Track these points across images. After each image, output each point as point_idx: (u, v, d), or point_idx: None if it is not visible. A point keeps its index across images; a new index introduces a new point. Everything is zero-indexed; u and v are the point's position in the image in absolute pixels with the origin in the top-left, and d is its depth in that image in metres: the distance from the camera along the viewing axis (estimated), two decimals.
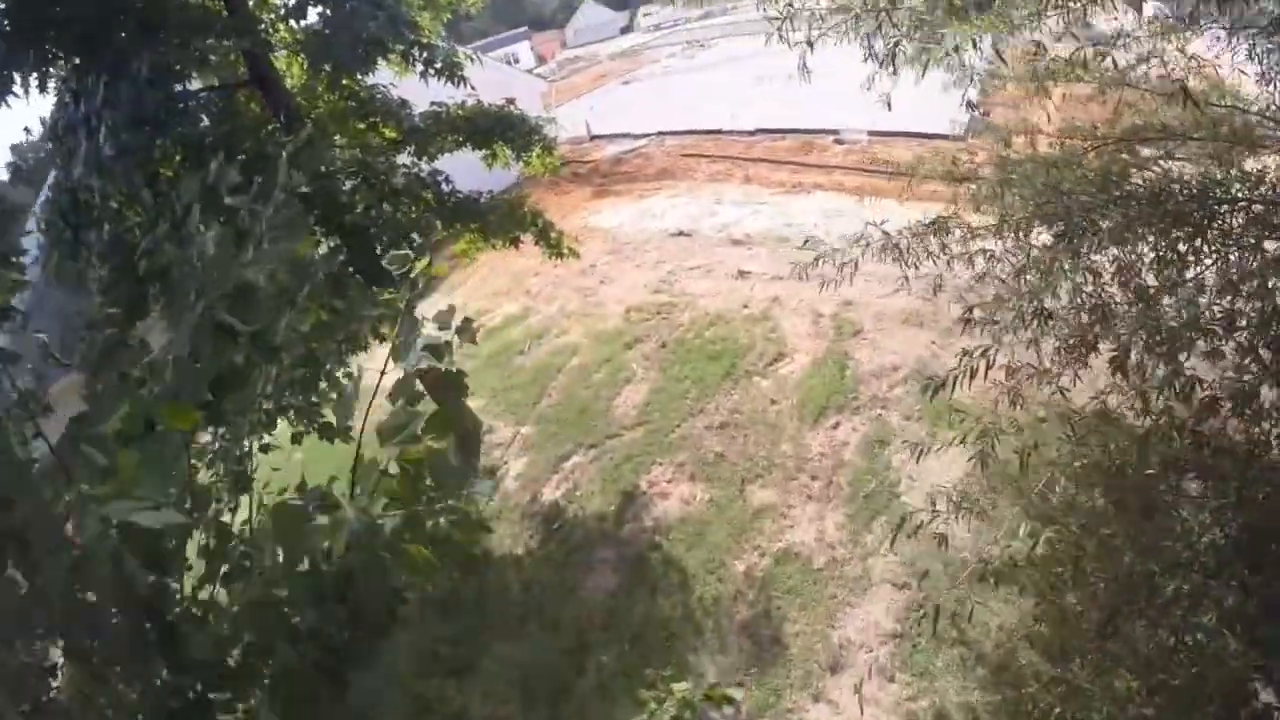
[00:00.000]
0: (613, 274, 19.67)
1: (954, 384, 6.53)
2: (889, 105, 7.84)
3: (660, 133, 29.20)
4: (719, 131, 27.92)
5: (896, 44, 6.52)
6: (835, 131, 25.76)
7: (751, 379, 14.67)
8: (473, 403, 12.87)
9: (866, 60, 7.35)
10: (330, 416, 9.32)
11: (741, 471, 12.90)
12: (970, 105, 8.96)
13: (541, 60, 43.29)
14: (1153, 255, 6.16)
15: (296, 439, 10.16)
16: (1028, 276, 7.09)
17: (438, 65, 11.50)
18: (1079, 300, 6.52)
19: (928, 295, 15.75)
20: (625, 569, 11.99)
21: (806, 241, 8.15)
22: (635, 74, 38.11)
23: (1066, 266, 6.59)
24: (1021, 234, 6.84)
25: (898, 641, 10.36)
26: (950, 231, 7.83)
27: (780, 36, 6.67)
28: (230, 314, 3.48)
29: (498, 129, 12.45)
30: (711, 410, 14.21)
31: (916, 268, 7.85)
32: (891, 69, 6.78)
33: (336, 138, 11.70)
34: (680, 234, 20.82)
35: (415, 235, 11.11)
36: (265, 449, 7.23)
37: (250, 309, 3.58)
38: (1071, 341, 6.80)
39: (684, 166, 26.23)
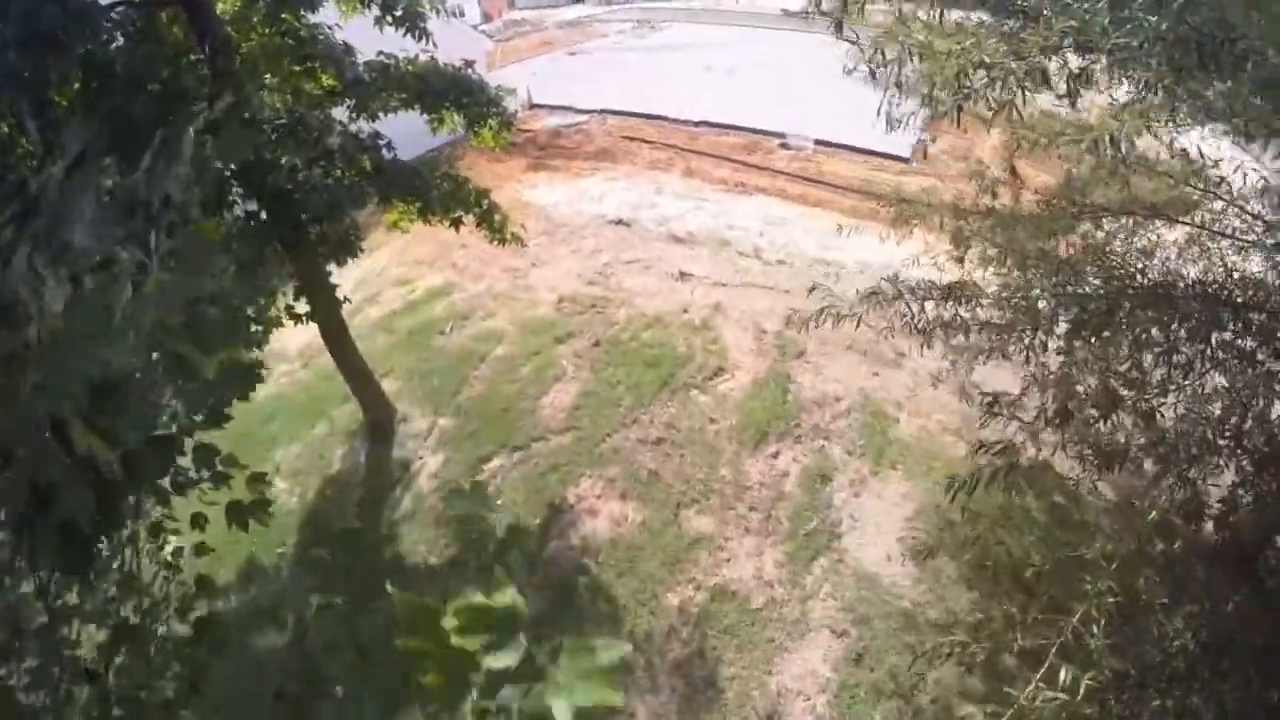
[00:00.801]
0: (545, 257, 18.63)
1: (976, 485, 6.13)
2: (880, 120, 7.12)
3: (603, 110, 28.02)
4: (663, 118, 26.91)
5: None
6: (781, 135, 25.09)
7: (690, 392, 13.93)
8: (387, 385, 11.86)
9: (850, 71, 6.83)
10: None
11: (677, 494, 12.20)
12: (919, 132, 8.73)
13: (487, 18, 41.29)
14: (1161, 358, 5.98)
15: None
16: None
17: (397, 11, 10.07)
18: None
19: (870, 320, 15.56)
20: (551, 593, 11.17)
21: (813, 289, 7.38)
22: (582, 46, 36.67)
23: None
24: (1041, 333, 6.50)
25: (836, 691, 9.89)
26: (968, 300, 7.29)
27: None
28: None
29: (452, 93, 11.13)
30: (646, 422, 13.43)
31: (928, 344, 7.35)
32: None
33: (267, 78, 10.38)
34: (619, 222, 19.89)
35: (346, 206, 10.06)
36: None
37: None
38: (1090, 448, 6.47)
39: (625, 149, 25.20)
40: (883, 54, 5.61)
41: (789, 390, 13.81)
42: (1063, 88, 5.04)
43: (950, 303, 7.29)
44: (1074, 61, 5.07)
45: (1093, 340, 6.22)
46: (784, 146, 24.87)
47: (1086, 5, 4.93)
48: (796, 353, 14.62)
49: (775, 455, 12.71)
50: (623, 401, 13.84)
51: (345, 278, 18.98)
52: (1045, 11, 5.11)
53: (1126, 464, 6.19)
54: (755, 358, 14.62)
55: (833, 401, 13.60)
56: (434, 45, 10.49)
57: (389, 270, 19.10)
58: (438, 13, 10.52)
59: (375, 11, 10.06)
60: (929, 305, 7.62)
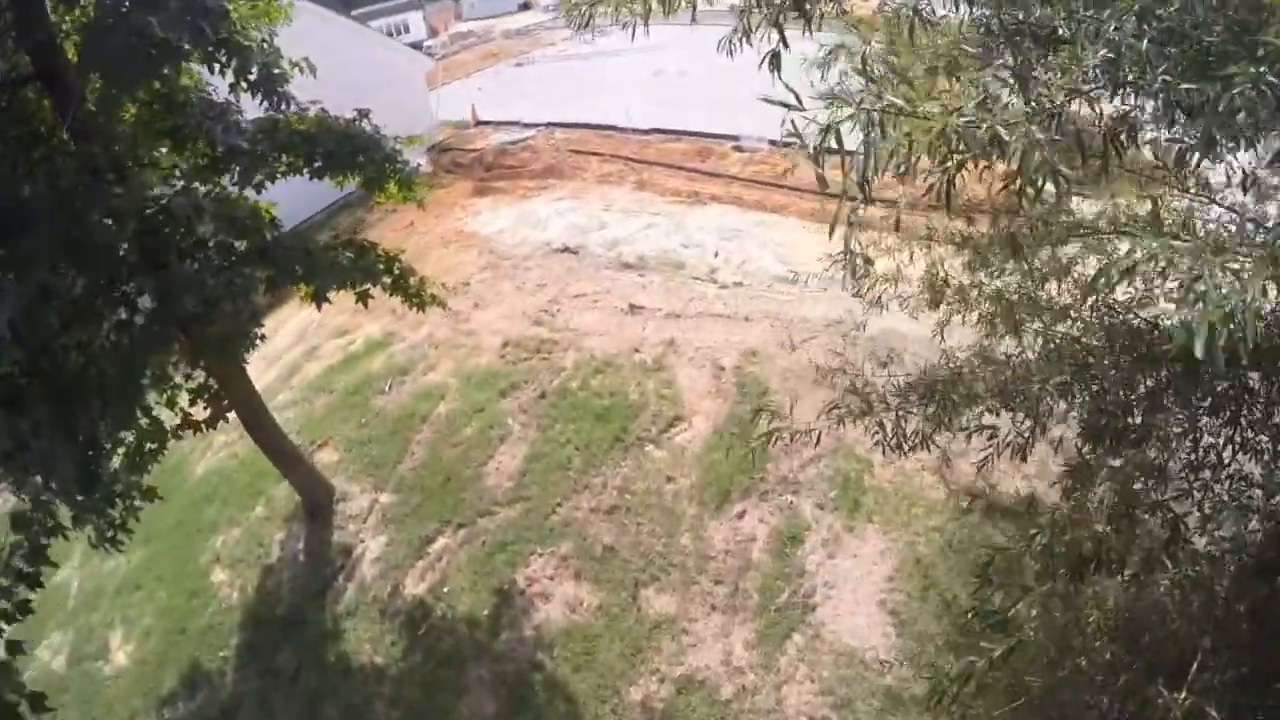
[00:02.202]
0: (488, 296, 17.56)
1: None
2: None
3: (550, 124, 26.91)
4: (612, 128, 25.85)
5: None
6: (735, 138, 24.06)
7: (644, 448, 12.94)
8: (326, 456, 10.75)
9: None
10: None
11: (635, 571, 11.25)
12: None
13: (434, 33, 39.98)
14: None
15: None
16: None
17: (251, 75, 8.75)
18: None
19: (838, 348, 14.58)
20: (504, 692, 10.31)
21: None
22: (529, 55, 35.40)
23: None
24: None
25: None
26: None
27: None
28: None
29: (343, 152, 9.88)
30: (599, 486, 12.44)
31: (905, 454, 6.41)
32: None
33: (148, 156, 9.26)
34: (565, 250, 18.81)
35: (224, 302, 8.71)
36: None
37: None
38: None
39: (573, 164, 24.09)
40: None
41: (753, 436, 12.80)
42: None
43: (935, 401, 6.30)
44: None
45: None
46: (738, 149, 23.85)
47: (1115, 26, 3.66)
48: (758, 392, 13.62)
49: (740, 516, 11.74)
50: (572, 463, 12.84)
51: (285, 329, 18.04)
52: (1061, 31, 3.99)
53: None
54: (713, 400, 13.62)
55: (801, 447, 12.60)
56: (301, 107, 9.46)
57: (328, 319, 17.95)
58: (301, 71, 9.27)
59: (229, 77, 8.76)
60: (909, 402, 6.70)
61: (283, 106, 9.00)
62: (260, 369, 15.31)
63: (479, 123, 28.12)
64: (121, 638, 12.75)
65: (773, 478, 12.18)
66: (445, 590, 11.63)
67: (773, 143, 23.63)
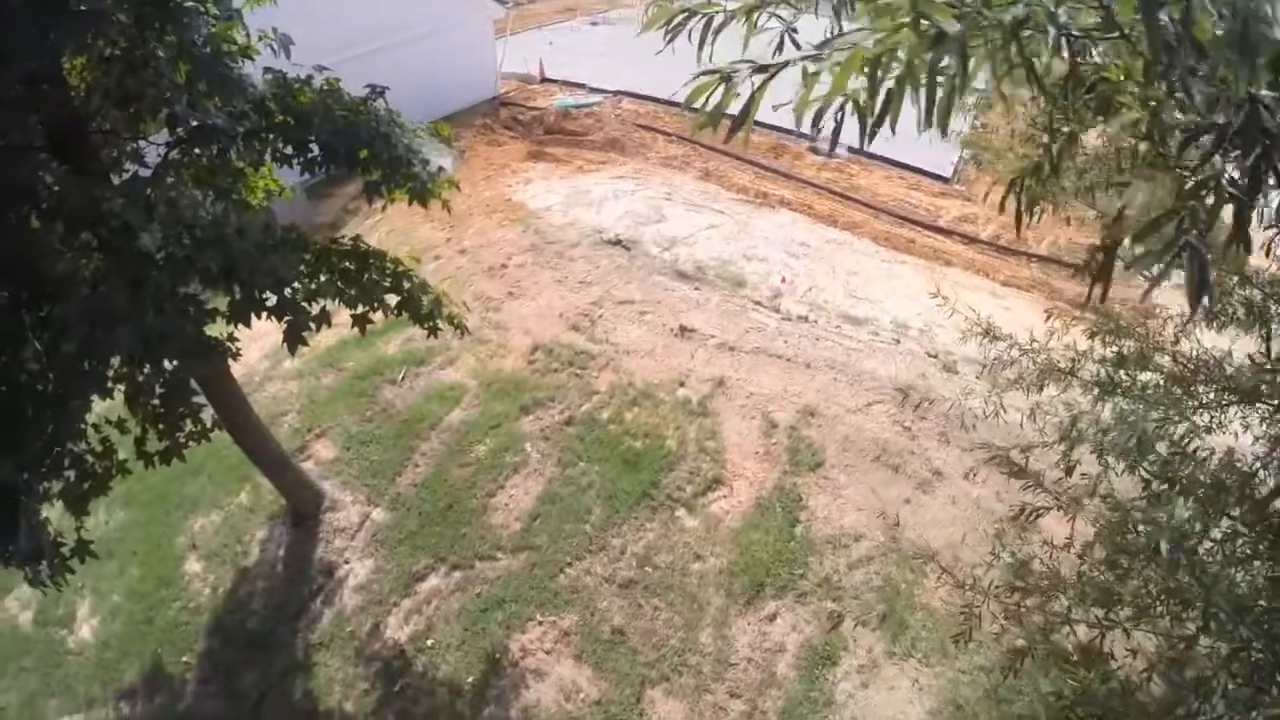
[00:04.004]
0: (525, 285, 15.96)
1: None
2: None
3: (619, 92, 25.06)
4: (683, 106, 23.96)
5: None
6: (811, 138, 22.22)
7: (675, 511, 11.45)
8: (322, 449, 9.04)
9: None
10: None
11: (643, 665, 9.85)
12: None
13: None
14: None
15: None
16: None
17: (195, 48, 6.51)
18: None
19: (905, 419, 13.03)
20: None
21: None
22: (606, 16, 33.23)
23: None
24: None
25: None
26: None
27: None
28: None
29: (342, 145, 7.54)
30: (617, 550, 11.00)
31: None
32: None
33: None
34: (617, 242, 17.14)
35: (167, 344, 6.67)
36: None
37: None
38: None
39: (637, 140, 22.30)
40: None
41: (798, 521, 11.32)
42: None
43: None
44: None
45: None
46: (813, 151, 22.05)
47: None
48: (812, 463, 12.09)
49: (771, 618, 10.28)
50: (591, 515, 11.38)
51: None
52: None
53: None
54: (760, 464, 12.09)
55: (850, 542, 11.12)
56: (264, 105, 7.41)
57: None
58: (275, 50, 7.34)
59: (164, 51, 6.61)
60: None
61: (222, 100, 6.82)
62: (270, 326, 13.88)
63: (544, 79, 26.28)
64: (89, 609, 11.65)
65: (814, 576, 10.71)
66: (430, 643, 10.28)
67: (852, 150, 21.88)
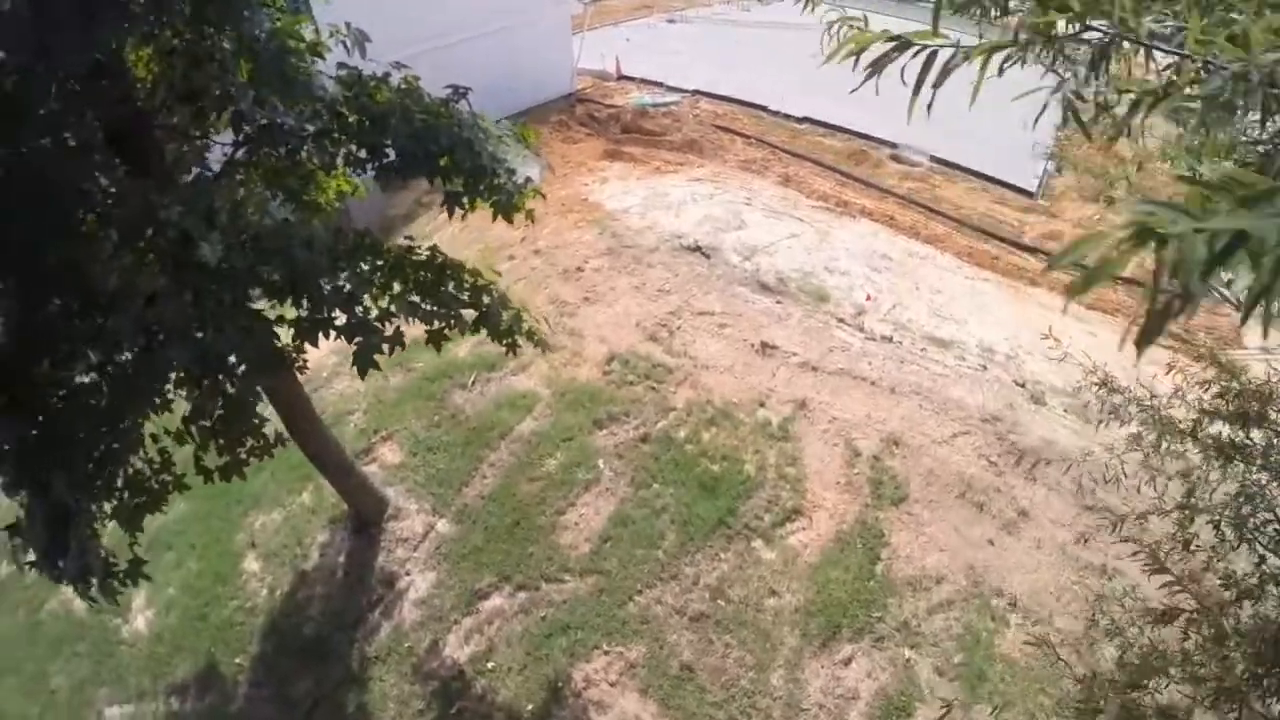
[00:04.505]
0: (602, 290, 15.51)
1: None
2: None
3: (696, 91, 24.51)
4: (763, 108, 23.40)
5: None
6: (894, 145, 21.52)
7: (751, 541, 10.92)
8: (387, 453, 8.48)
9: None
10: None
11: (711, 705, 9.39)
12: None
13: None
14: None
15: None
16: None
17: (258, 46, 6.02)
18: None
19: (991, 453, 12.35)
20: None
21: None
22: (684, 14, 32.67)
23: None
24: None
25: None
26: None
27: None
28: None
29: (420, 151, 6.89)
30: (689, 579, 10.51)
31: None
32: None
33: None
34: (696, 249, 16.60)
35: (224, 361, 6.34)
36: None
37: None
38: None
39: (715, 141, 21.73)
40: None
41: (879, 559, 10.73)
42: None
43: None
44: None
45: None
46: (895, 159, 21.33)
47: None
48: (895, 496, 11.48)
49: (846, 663, 9.73)
50: (664, 540, 10.91)
51: None
52: None
53: None
54: (841, 496, 11.51)
55: (932, 584, 10.51)
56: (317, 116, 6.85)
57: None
58: (347, 47, 6.88)
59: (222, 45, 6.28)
60: None
61: (318, 91, 6.47)
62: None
63: (621, 77, 25.84)
64: (145, 599, 11.55)
65: (892, 620, 10.12)
66: (490, 665, 9.91)
67: (934, 159, 21.11)
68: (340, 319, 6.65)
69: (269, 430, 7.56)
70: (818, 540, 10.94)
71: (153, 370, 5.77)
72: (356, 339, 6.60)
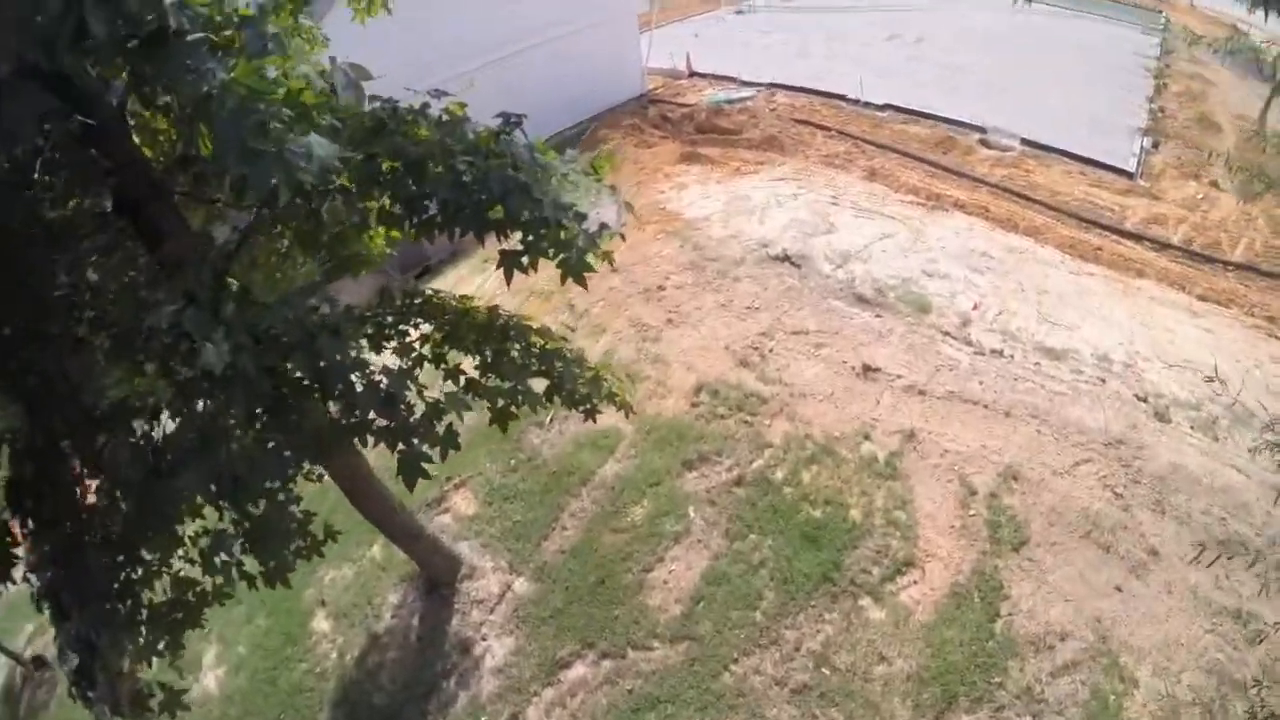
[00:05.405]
0: (687, 309, 14.49)
1: None
2: None
3: (771, 84, 23.32)
4: (841, 97, 22.14)
5: None
6: (982, 129, 20.04)
7: (859, 600, 9.83)
8: (460, 502, 7.76)
9: None
10: None
11: None
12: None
13: None
14: None
15: None
16: None
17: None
18: None
19: (1117, 483, 11.03)
20: None
21: None
22: (752, 4, 31.47)
23: None
24: None
25: None
26: None
27: None
28: None
29: (471, 193, 5.40)
30: (791, 644, 9.49)
31: None
32: None
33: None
34: (785, 259, 15.46)
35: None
36: None
37: None
38: None
39: (795, 136, 20.50)
40: None
41: (999, 615, 9.55)
42: None
43: None
44: None
45: None
46: (984, 145, 19.88)
47: None
48: (1015, 540, 10.27)
49: None
50: (763, 600, 9.90)
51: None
52: None
53: None
54: (957, 542, 10.34)
55: (1056, 640, 9.29)
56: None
57: (499, 300, 15.39)
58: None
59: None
60: None
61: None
62: None
63: (692, 74, 24.85)
64: (215, 658, 11.25)
65: (1013, 685, 8.94)
66: None
67: (1025, 142, 19.58)
68: (380, 420, 5.71)
69: (318, 525, 6.74)
70: (931, 595, 9.81)
71: (159, 502, 4.93)
72: (400, 447, 5.67)
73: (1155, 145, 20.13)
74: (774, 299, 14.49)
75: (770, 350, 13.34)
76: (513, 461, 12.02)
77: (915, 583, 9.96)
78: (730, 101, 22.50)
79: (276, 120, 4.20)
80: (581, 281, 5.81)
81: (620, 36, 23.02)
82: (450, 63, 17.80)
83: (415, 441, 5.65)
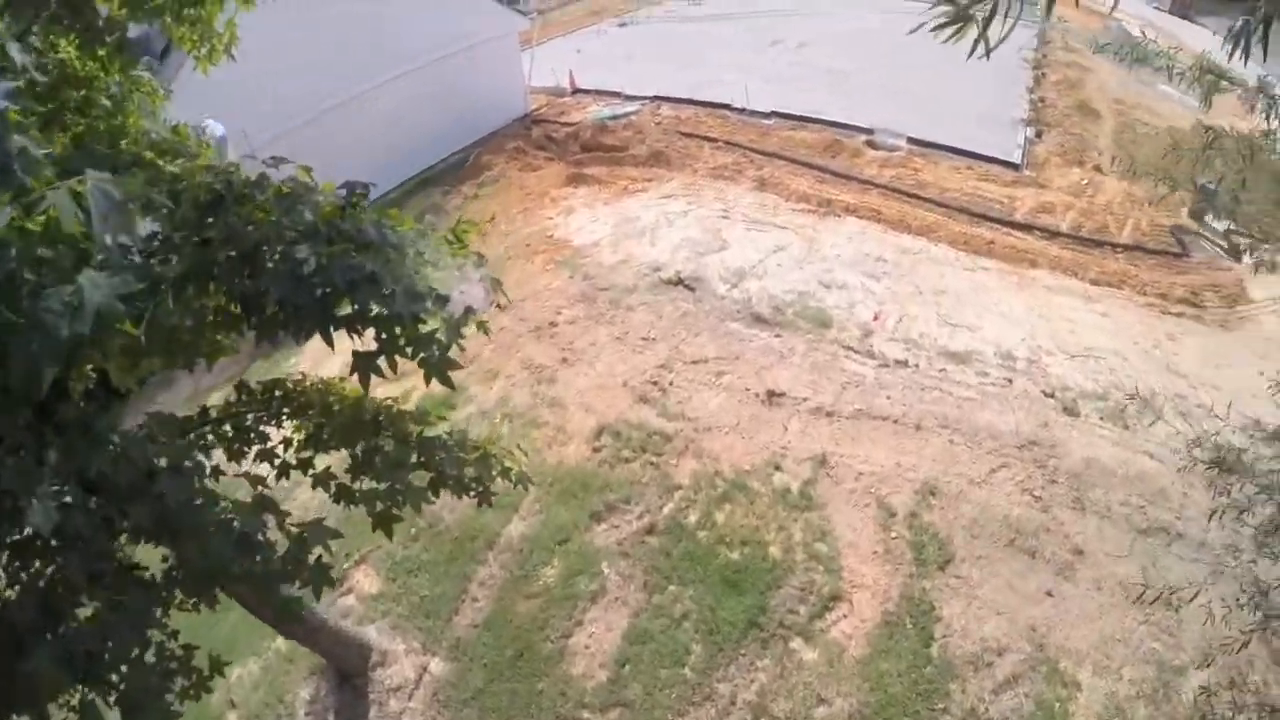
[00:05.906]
0: (581, 345, 14.00)
1: None
2: None
3: (656, 97, 23.03)
4: (726, 107, 22.01)
5: None
6: (869, 130, 20.17)
7: (789, 642, 9.47)
8: (363, 581, 7.19)
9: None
10: None
11: None
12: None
13: None
14: None
15: None
16: None
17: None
18: None
19: (1034, 486, 10.97)
20: None
21: None
22: (633, 15, 31.23)
23: None
24: None
25: None
26: None
27: None
28: None
29: (305, 295, 4.31)
30: (725, 699, 9.07)
31: None
32: None
33: None
34: (679, 282, 15.11)
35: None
36: None
37: None
38: None
39: (681, 150, 20.22)
40: None
41: (933, 639, 9.33)
42: None
43: None
44: None
45: None
46: (871, 146, 19.99)
47: None
48: (940, 558, 10.09)
49: None
50: (690, 654, 9.45)
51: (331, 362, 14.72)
52: None
53: None
54: (880, 568, 10.09)
55: (994, 656, 9.13)
56: None
57: None
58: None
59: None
60: None
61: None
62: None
63: (576, 90, 24.36)
64: None
65: (957, 708, 8.74)
66: None
67: (912, 140, 19.73)
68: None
69: (201, 658, 5.93)
70: (863, 628, 9.53)
71: (21, 679, 4.17)
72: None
73: (1038, 135, 20.55)
74: (670, 327, 14.11)
75: (670, 383, 12.94)
76: (413, 530, 11.33)
77: (845, 616, 9.66)
78: (615, 118, 22.11)
79: (29, 270, 3.19)
80: (447, 381, 4.82)
81: (501, 56, 22.34)
82: (315, 98, 16.95)
83: (281, 587, 4.98)
